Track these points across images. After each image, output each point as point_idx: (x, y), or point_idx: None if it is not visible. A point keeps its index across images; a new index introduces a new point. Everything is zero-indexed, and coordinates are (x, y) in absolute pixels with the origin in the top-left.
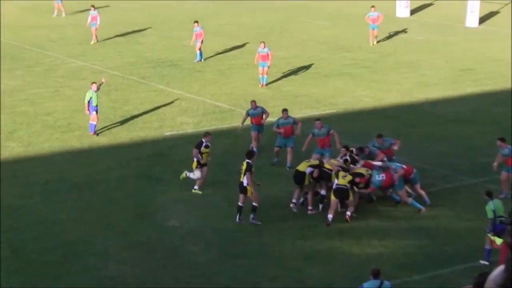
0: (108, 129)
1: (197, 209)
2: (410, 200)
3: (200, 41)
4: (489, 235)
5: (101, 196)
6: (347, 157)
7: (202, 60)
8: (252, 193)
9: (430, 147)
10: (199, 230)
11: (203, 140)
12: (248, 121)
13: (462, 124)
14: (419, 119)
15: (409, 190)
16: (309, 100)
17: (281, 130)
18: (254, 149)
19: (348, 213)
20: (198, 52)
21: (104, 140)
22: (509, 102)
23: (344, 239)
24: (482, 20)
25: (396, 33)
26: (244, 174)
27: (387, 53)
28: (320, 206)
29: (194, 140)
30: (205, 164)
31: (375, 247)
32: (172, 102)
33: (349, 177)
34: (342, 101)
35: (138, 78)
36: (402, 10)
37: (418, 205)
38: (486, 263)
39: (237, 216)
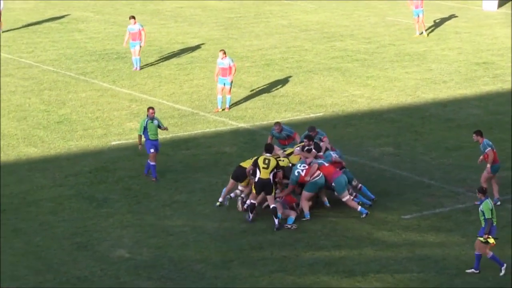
0: (40, 137)
1: (151, 236)
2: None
3: (140, 43)
4: (480, 239)
5: (31, 221)
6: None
7: (138, 68)
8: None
9: (438, 159)
10: (154, 262)
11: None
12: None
13: None
14: (425, 124)
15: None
16: (289, 101)
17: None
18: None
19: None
20: (134, 57)
21: (34, 151)
22: None
23: (332, 272)
24: (502, 2)
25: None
26: (272, 171)
27: (385, 42)
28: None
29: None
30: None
31: (370, 282)
32: (119, 104)
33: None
34: (330, 102)
35: (77, 75)
36: None
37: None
38: (476, 271)
39: (249, 216)
